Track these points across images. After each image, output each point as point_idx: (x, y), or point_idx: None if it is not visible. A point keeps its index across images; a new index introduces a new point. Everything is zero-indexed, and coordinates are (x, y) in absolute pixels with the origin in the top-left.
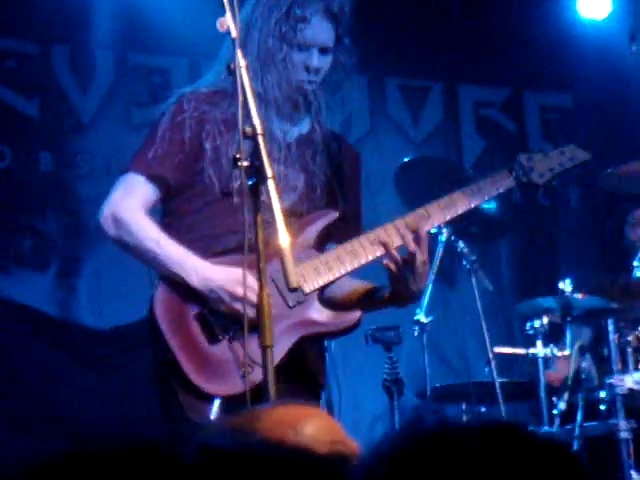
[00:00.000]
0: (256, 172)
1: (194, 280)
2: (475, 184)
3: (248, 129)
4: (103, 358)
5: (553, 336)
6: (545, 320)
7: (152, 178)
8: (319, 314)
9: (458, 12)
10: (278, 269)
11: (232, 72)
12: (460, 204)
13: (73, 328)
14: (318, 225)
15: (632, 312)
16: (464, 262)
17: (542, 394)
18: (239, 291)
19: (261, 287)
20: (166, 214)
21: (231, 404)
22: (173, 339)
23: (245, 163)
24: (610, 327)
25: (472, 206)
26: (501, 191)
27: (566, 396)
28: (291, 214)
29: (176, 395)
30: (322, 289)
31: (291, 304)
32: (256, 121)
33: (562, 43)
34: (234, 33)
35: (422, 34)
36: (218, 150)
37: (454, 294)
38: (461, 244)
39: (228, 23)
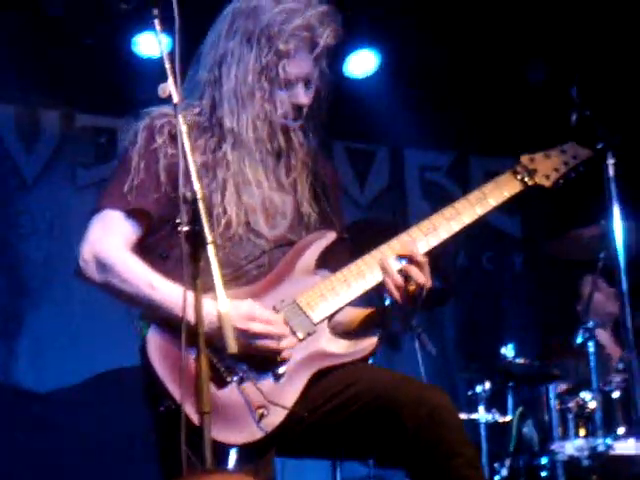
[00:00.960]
0: (196, 237)
1: (205, 324)
2: (478, 190)
3: (188, 194)
4: (40, 419)
5: (495, 402)
6: (487, 385)
7: (132, 212)
8: (333, 344)
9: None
10: (283, 299)
11: (174, 137)
12: (466, 214)
13: (10, 390)
14: (317, 247)
15: (573, 378)
16: (409, 327)
17: (484, 460)
18: (253, 327)
19: (199, 351)
20: (147, 251)
21: (248, 450)
22: (176, 388)
23: (185, 228)
24: (551, 393)
25: (480, 214)
26: (508, 196)
27: (508, 462)
28: (285, 242)
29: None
30: (332, 317)
31: (301, 337)
32: (196, 186)
33: (505, 107)
34: (176, 99)
35: None
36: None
37: (398, 357)
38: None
39: (170, 89)
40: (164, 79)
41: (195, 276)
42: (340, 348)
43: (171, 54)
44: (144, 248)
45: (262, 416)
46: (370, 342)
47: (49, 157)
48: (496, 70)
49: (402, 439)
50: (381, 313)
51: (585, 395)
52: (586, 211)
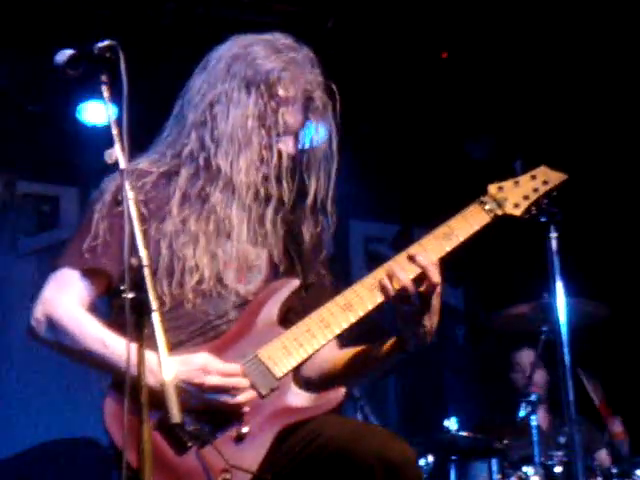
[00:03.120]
0: (141, 304)
1: (151, 380)
2: (444, 225)
3: (134, 261)
4: None
5: (438, 475)
6: (430, 458)
7: (89, 272)
8: (298, 399)
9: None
10: (244, 354)
11: (119, 202)
12: (433, 251)
13: None
14: (279, 297)
15: (516, 452)
16: (351, 398)
17: None
18: (207, 380)
19: (141, 421)
20: (112, 311)
21: None
22: (135, 457)
23: (130, 295)
24: (494, 467)
25: (447, 250)
26: (476, 229)
27: None
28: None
29: None
30: (298, 369)
31: (264, 393)
32: (143, 253)
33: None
34: (123, 164)
35: None
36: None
37: None
38: None
39: (116, 155)
40: (110, 146)
41: (140, 343)
42: (305, 402)
43: (118, 121)
44: (112, 308)
45: None
46: (336, 394)
47: None
48: (440, 143)
49: None
50: (376, 345)
51: (527, 469)
52: (528, 284)
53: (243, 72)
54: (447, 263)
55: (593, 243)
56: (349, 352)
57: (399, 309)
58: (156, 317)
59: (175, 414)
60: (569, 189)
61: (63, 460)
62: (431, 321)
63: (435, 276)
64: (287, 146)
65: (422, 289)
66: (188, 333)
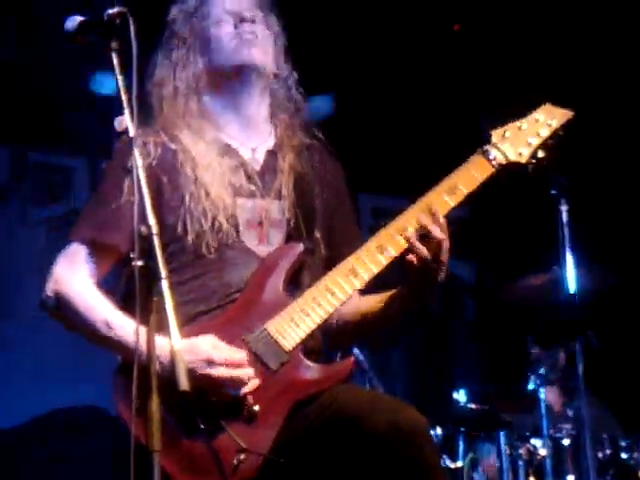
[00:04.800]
0: (150, 272)
1: (158, 363)
2: (447, 179)
3: (144, 229)
4: None
5: (446, 447)
6: (438, 431)
7: (99, 246)
8: (307, 371)
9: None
10: (252, 330)
11: (129, 170)
12: (438, 206)
13: None
14: (282, 265)
15: (523, 424)
16: (359, 370)
17: None
18: (212, 372)
19: (151, 391)
20: (123, 280)
21: None
22: (140, 431)
23: (139, 263)
24: (502, 439)
25: (452, 205)
26: (481, 181)
27: None
28: None
29: None
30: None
31: (274, 367)
32: (152, 221)
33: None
34: (132, 132)
35: None
36: (182, 201)
37: None
38: (356, 351)
39: (126, 122)
40: (120, 114)
41: (149, 312)
42: (315, 374)
43: (127, 88)
44: (126, 277)
45: (237, 464)
46: (345, 365)
47: (1, 193)
48: (453, 117)
49: (376, 460)
50: (392, 295)
51: (535, 442)
52: (539, 257)
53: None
54: (458, 237)
55: (604, 213)
56: (369, 301)
57: (407, 266)
58: (165, 284)
59: (183, 382)
60: (579, 159)
61: (73, 429)
62: (442, 273)
63: (439, 234)
64: (242, 28)
65: (429, 246)
66: (208, 304)
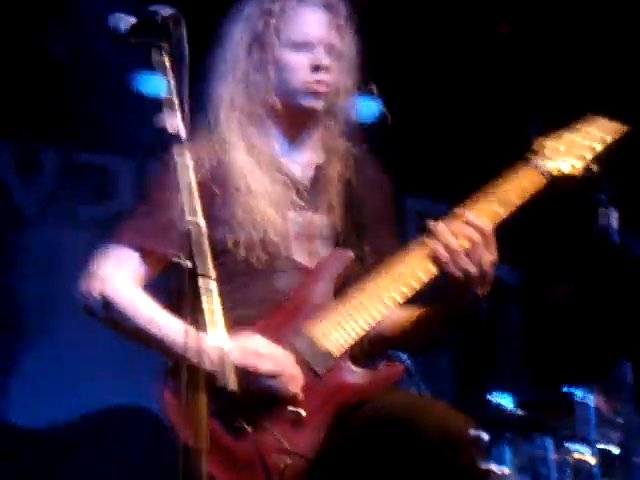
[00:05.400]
0: (197, 272)
1: (207, 363)
2: (498, 189)
3: (192, 228)
4: (34, 457)
5: (492, 452)
6: (485, 436)
7: (146, 253)
8: (355, 377)
9: None
10: (299, 332)
11: (175, 170)
12: (487, 218)
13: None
14: (331, 272)
15: (571, 432)
16: (407, 374)
17: None
18: (261, 364)
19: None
20: (175, 282)
21: None
22: (187, 433)
23: (188, 264)
24: (550, 446)
25: (503, 217)
26: (533, 192)
27: None
28: None
29: None
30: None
31: (320, 372)
32: (201, 220)
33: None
34: (183, 133)
35: None
36: (234, 215)
37: None
38: (403, 356)
39: (176, 124)
40: (169, 116)
41: (197, 312)
42: (363, 379)
43: (178, 91)
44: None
45: (284, 468)
46: (394, 370)
47: (48, 194)
48: (502, 123)
49: (423, 464)
50: (428, 310)
51: (584, 449)
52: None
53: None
54: (504, 241)
55: None
56: (407, 314)
57: (451, 277)
58: (213, 284)
59: (232, 381)
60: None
61: (119, 426)
62: (483, 288)
63: (491, 246)
64: (316, 58)
65: (475, 258)
66: (255, 311)
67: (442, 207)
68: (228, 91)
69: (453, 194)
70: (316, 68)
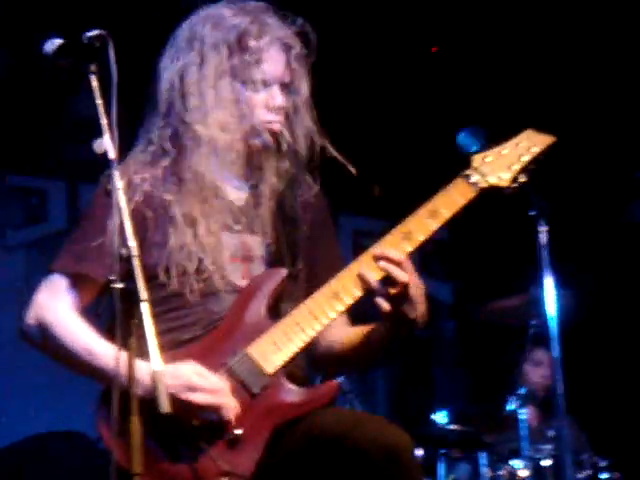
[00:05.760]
0: (130, 294)
1: (139, 388)
2: (428, 204)
3: (124, 251)
4: None
5: (427, 469)
6: (420, 452)
7: (81, 278)
8: (290, 395)
9: None
10: (234, 351)
11: (108, 193)
12: (419, 231)
13: None
14: (265, 290)
15: (504, 445)
16: (340, 392)
17: None
18: (193, 398)
19: (132, 412)
20: (109, 305)
21: None
22: (126, 456)
23: (119, 285)
24: (483, 461)
25: (434, 229)
26: (462, 204)
27: None
28: None
29: None
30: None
31: (255, 391)
32: (132, 243)
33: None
34: (112, 154)
35: None
36: (166, 241)
37: None
38: None
39: (105, 145)
40: (99, 137)
41: (129, 335)
42: (298, 397)
43: (107, 111)
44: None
45: None
46: (329, 388)
47: None
48: (432, 137)
49: (361, 477)
50: (374, 329)
51: (516, 463)
52: (518, 278)
53: (208, 34)
54: (435, 257)
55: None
56: (356, 332)
57: (377, 306)
58: (145, 307)
59: (164, 404)
60: (559, 179)
61: (53, 453)
62: (416, 311)
63: (401, 276)
64: (271, 97)
65: (394, 289)
66: (190, 333)
67: (379, 224)
68: (176, 117)
69: (389, 211)
70: (272, 107)
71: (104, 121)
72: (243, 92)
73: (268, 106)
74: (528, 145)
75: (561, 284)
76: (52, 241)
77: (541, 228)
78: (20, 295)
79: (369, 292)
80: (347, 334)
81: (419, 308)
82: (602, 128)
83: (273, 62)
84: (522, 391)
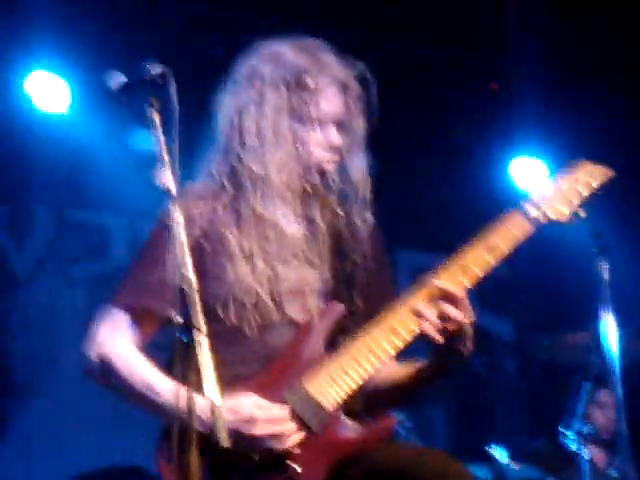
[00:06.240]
0: (190, 329)
1: (198, 423)
2: (486, 237)
3: (184, 285)
4: None
5: None
6: None
7: (141, 312)
8: (349, 430)
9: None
10: (292, 388)
11: (167, 227)
12: (477, 266)
13: None
14: (323, 326)
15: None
16: (400, 427)
17: None
18: (255, 431)
19: (191, 446)
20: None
21: None
22: None
23: (179, 319)
24: None
25: (492, 265)
26: (521, 240)
27: None
28: None
29: None
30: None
31: (315, 428)
32: (192, 276)
33: None
34: (173, 189)
35: None
36: (224, 276)
37: None
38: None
39: (166, 181)
40: (160, 173)
41: (190, 370)
42: (357, 433)
43: (168, 148)
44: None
45: None
46: (388, 423)
47: (41, 253)
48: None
49: None
50: (419, 368)
51: None
52: (580, 315)
53: (268, 72)
54: (495, 292)
55: None
56: (404, 368)
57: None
58: (205, 340)
59: (224, 437)
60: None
61: None
62: (466, 347)
63: (458, 314)
64: (328, 136)
65: (451, 325)
66: (247, 367)
67: (436, 259)
68: (234, 154)
69: (446, 246)
70: (329, 146)
71: (165, 156)
72: (300, 131)
73: (325, 145)
74: (587, 180)
75: (622, 323)
76: (114, 277)
77: (602, 265)
78: (82, 329)
79: (422, 330)
80: (395, 370)
81: (468, 344)
82: None
83: (331, 101)
84: (585, 430)
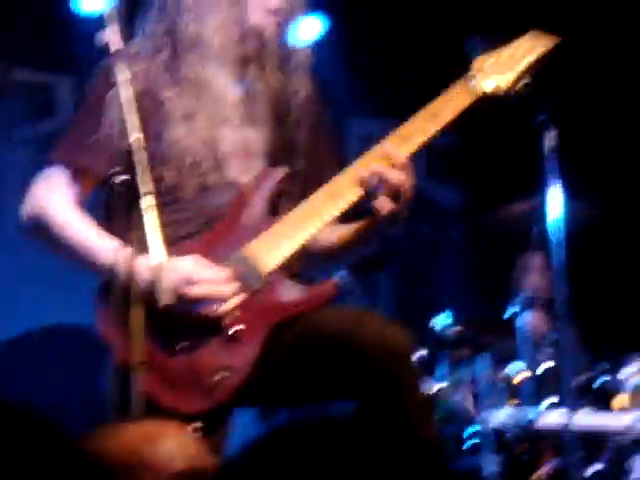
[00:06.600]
0: (131, 188)
1: (139, 282)
2: (429, 106)
3: (125, 144)
4: None
5: (428, 370)
6: (422, 353)
7: (78, 170)
8: (289, 293)
9: None
10: (231, 251)
11: (109, 84)
12: (418, 134)
13: None
14: (264, 190)
15: (505, 349)
16: (342, 292)
17: None
18: (191, 291)
19: (133, 302)
20: (109, 198)
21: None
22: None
23: (123, 177)
24: (483, 363)
25: (433, 133)
26: (463, 108)
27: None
28: None
29: None
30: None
31: (256, 286)
32: (137, 134)
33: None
34: (115, 46)
35: None
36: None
37: None
38: (342, 273)
39: (107, 37)
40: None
41: (130, 229)
42: (298, 296)
43: (113, 6)
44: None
45: (215, 383)
46: (329, 287)
47: None
48: (439, 39)
49: (360, 374)
50: (366, 227)
51: (517, 365)
52: (526, 185)
53: None
54: (443, 163)
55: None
56: (348, 229)
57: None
58: (148, 200)
59: (163, 297)
60: (569, 82)
61: (51, 347)
62: (405, 211)
63: (398, 178)
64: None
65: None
66: (186, 229)
67: (384, 127)
68: (171, 12)
69: (395, 115)
70: (268, 9)
71: (109, 15)
72: None
73: (264, 8)
74: (532, 46)
75: (571, 195)
76: (57, 140)
77: (549, 132)
78: (26, 189)
79: (367, 194)
80: (334, 233)
81: (405, 208)
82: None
83: None
84: (522, 297)
